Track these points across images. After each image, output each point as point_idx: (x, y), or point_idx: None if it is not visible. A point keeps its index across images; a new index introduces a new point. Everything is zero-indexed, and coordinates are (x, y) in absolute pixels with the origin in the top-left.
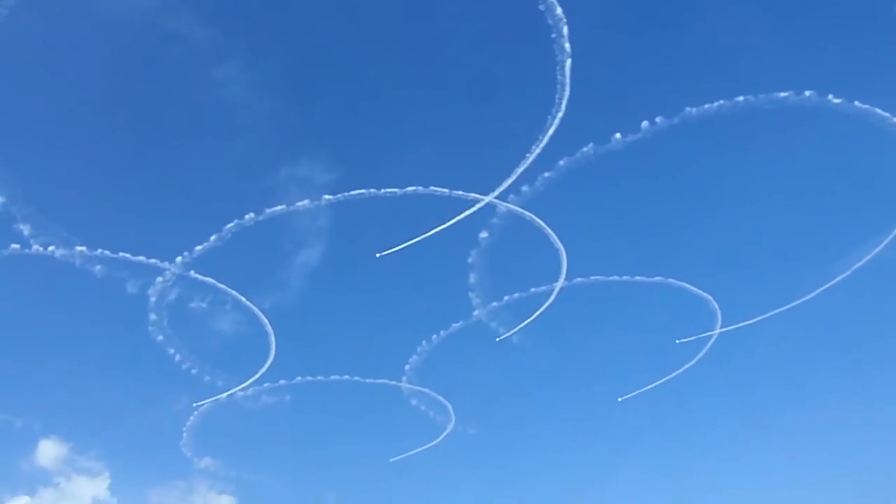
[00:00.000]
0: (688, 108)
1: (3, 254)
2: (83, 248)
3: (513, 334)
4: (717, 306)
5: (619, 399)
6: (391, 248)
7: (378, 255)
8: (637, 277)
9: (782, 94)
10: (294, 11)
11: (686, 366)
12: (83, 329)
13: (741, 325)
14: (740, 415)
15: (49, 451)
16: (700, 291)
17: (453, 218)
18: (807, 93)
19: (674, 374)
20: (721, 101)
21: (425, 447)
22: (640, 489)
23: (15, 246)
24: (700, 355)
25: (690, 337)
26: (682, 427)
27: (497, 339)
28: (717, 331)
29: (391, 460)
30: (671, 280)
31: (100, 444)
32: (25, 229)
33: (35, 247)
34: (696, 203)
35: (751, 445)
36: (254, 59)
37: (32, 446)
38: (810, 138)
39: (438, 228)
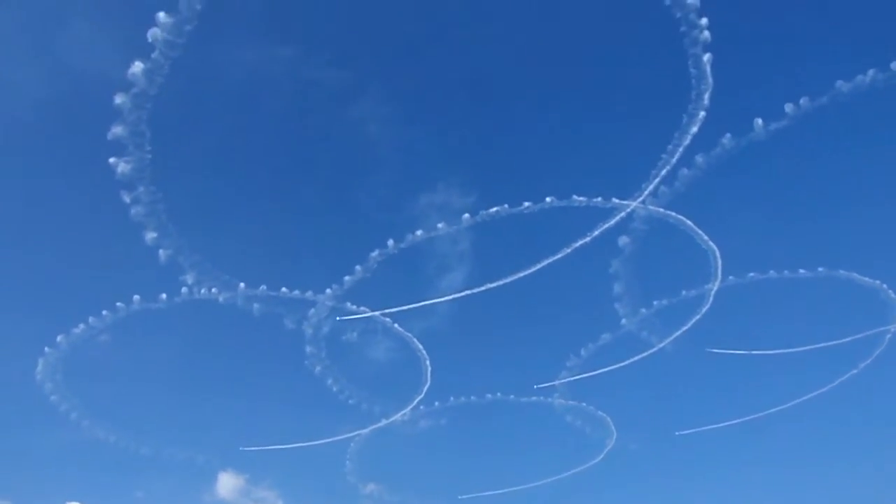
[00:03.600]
0: (839, 83)
1: (175, 301)
2: (243, 285)
3: (668, 343)
4: (892, 295)
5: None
6: None
7: None
8: (800, 271)
9: None
10: (418, 48)
11: (862, 364)
12: (249, 367)
13: None
14: None
15: (227, 483)
16: (871, 280)
17: (594, 227)
18: None
19: (847, 376)
20: (873, 71)
21: (588, 464)
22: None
23: (184, 290)
24: (877, 352)
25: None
26: (860, 436)
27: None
28: None
29: (553, 479)
30: (840, 271)
31: (272, 474)
32: (191, 277)
33: (202, 290)
34: (852, 185)
35: None
36: (386, 95)
37: (212, 480)
38: None
39: (581, 242)
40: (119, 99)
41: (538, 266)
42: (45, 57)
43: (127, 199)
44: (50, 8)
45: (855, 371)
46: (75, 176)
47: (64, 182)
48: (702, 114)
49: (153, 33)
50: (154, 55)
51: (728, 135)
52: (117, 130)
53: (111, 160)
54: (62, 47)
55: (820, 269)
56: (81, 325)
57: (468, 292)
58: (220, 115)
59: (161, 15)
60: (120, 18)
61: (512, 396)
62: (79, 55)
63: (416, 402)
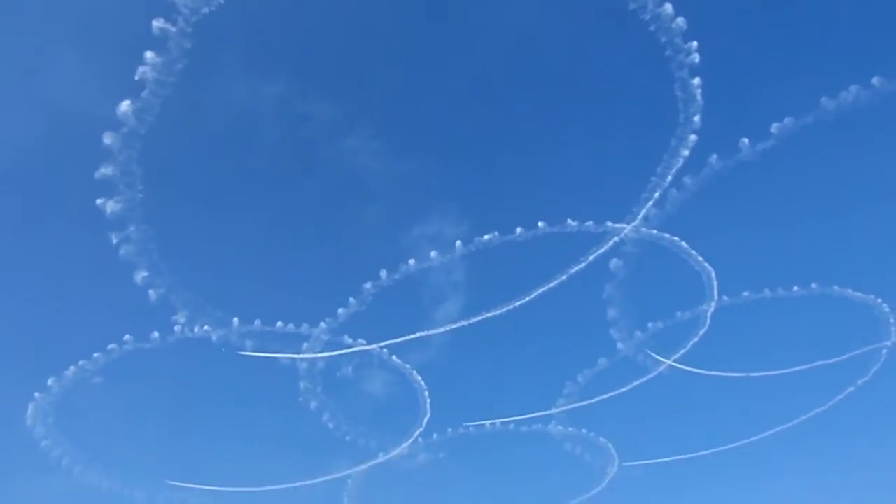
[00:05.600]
0: (824, 99)
1: (167, 341)
2: (237, 321)
3: (666, 366)
4: (887, 309)
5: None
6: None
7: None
8: (794, 288)
9: None
10: (408, 80)
11: (861, 381)
12: (243, 405)
13: None
14: None
15: None
16: (864, 295)
17: (588, 252)
18: None
19: (845, 394)
20: (856, 87)
21: (591, 493)
22: None
23: (177, 328)
24: (874, 369)
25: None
26: (860, 453)
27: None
28: (894, 339)
29: None
30: (834, 287)
31: None
32: (183, 315)
33: (195, 328)
34: (841, 200)
35: None
36: (377, 127)
37: None
38: None
39: (576, 267)
40: (108, 138)
41: (533, 294)
42: (30, 95)
43: (115, 239)
44: (36, 45)
45: (852, 389)
46: (61, 217)
47: (49, 223)
48: (692, 136)
49: (142, 72)
50: (144, 94)
51: (715, 155)
52: (106, 170)
53: (98, 201)
54: (48, 85)
55: (813, 285)
56: (72, 368)
57: (464, 323)
58: (211, 152)
59: (150, 54)
60: (107, 57)
61: (511, 426)
62: (65, 93)
63: (415, 435)
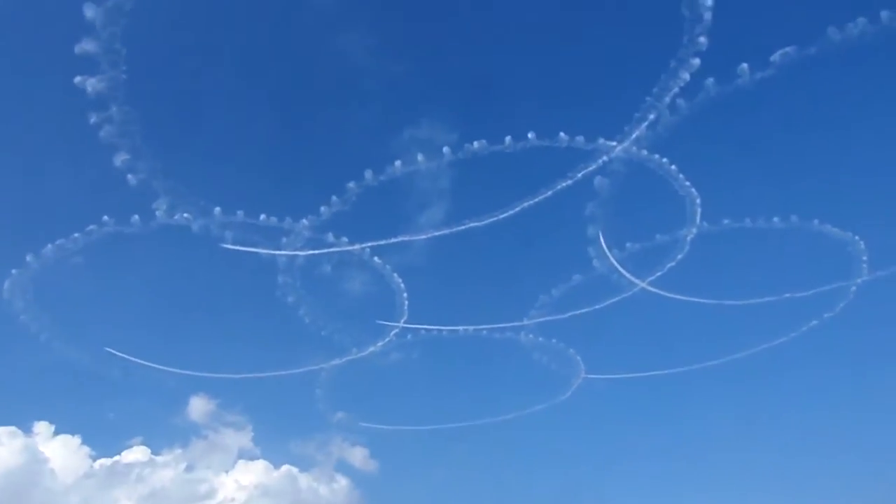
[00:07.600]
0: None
1: (149, 225)
2: (218, 210)
3: (641, 287)
4: (864, 247)
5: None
6: None
7: None
8: (774, 220)
9: None
10: None
11: (826, 316)
12: (220, 294)
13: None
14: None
15: (199, 407)
16: (842, 232)
17: (576, 167)
18: None
19: (807, 328)
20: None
21: (557, 400)
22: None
23: (159, 213)
24: (841, 305)
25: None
26: (817, 386)
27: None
28: (864, 278)
29: (522, 413)
30: (814, 221)
31: (243, 400)
32: (164, 202)
33: (176, 216)
34: (835, 137)
35: None
36: (374, 25)
37: (184, 403)
38: None
39: (563, 184)
40: (90, 11)
41: (517, 208)
42: None
43: (94, 119)
44: None
45: (816, 322)
46: (39, 93)
47: (26, 99)
48: (695, 60)
49: None
50: None
51: (712, 79)
52: (87, 46)
53: (77, 79)
54: None
55: (793, 217)
56: (50, 246)
57: (447, 231)
58: (199, 36)
59: None
60: None
61: (484, 332)
62: None
63: (390, 335)
